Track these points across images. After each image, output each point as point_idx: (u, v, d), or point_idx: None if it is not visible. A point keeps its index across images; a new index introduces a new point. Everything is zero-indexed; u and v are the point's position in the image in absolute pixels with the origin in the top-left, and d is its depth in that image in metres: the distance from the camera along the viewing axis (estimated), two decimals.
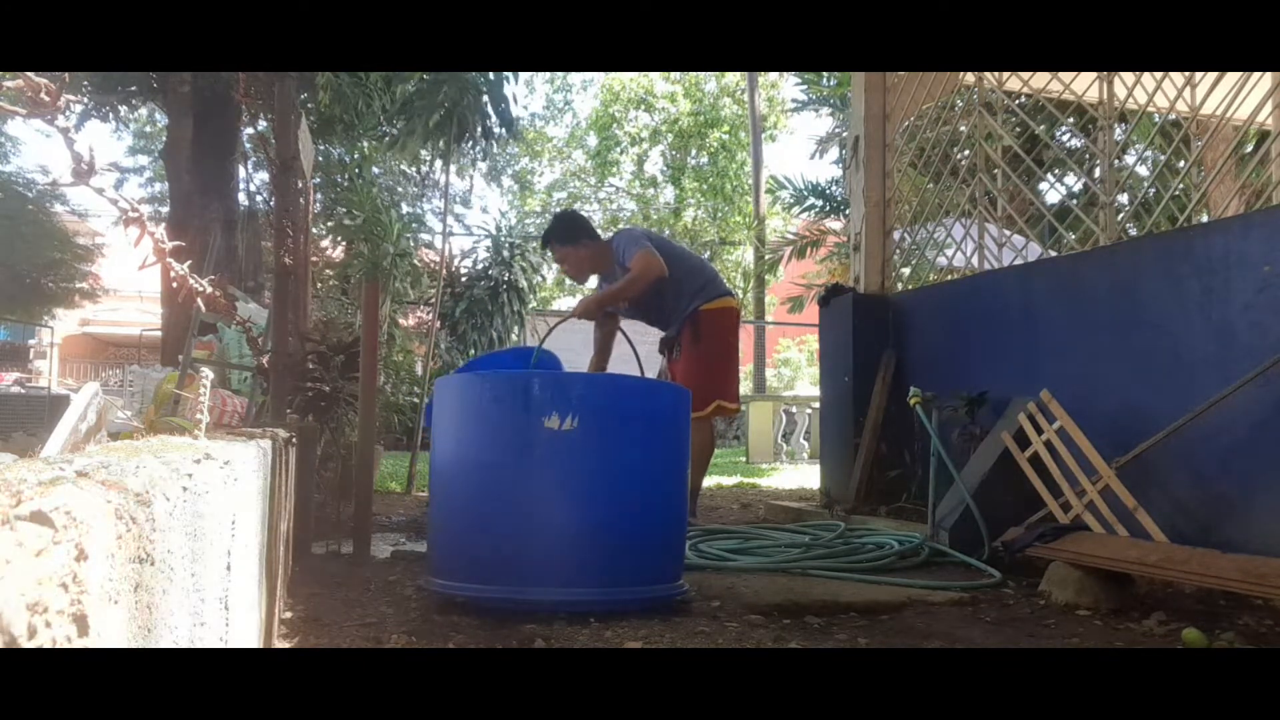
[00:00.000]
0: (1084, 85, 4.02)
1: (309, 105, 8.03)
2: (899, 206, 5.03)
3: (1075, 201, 5.48)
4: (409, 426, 6.80)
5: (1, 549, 0.41)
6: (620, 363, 4.24)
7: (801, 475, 8.37)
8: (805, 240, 12.21)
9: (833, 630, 2.19)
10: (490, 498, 2.29)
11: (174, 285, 1.61)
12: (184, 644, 0.75)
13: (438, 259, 7.39)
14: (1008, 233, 4.76)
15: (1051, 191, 7.73)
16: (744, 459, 10.97)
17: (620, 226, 24.84)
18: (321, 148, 9.20)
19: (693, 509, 4.02)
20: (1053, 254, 4.49)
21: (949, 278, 4.78)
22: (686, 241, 23.19)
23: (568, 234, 4.25)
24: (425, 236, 10.76)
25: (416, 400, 6.24)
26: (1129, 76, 3.79)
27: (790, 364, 21.81)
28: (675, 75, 23.50)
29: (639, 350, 3.36)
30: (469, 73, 5.50)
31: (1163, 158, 5.19)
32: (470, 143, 5.87)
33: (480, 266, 8.62)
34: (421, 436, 5.73)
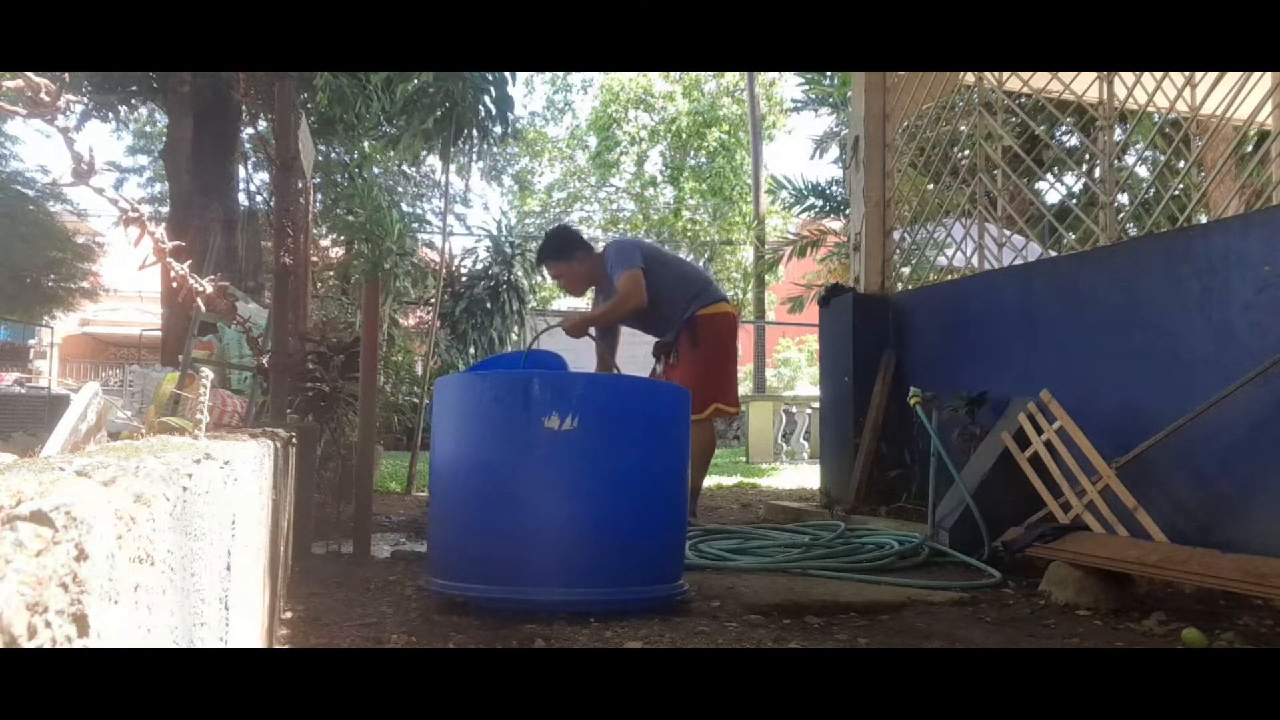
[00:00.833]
0: (1084, 85, 4.02)
1: (309, 105, 8.04)
2: (899, 206, 5.03)
3: (1075, 201, 5.48)
4: (409, 426, 6.80)
5: (1, 549, 0.41)
6: (623, 365, 4.25)
7: (801, 475, 8.37)
8: (805, 240, 12.21)
9: (833, 630, 2.19)
10: (490, 498, 2.29)
11: (174, 285, 1.62)
12: (184, 644, 0.75)
13: (438, 259, 7.38)
14: (1008, 233, 4.76)
15: (1051, 191, 7.73)
16: (744, 459, 10.97)
17: (621, 227, 24.95)
18: (321, 148, 9.21)
19: (693, 509, 4.03)
20: (1053, 254, 4.49)
21: (949, 278, 4.78)
22: (686, 241, 23.18)
23: (560, 250, 4.31)
24: (425, 236, 10.77)
25: (416, 400, 6.24)
26: (1129, 76, 3.79)
27: (790, 364, 21.81)
28: (675, 75, 23.49)
29: (632, 353, 3.37)
30: (469, 73, 5.50)
31: (1163, 158, 5.19)
32: (469, 143, 5.87)
33: (480, 266, 8.61)
34: (421, 436, 5.73)
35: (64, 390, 10.77)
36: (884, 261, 5.02)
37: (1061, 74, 4.07)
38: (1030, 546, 2.81)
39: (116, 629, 0.53)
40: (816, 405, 7.92)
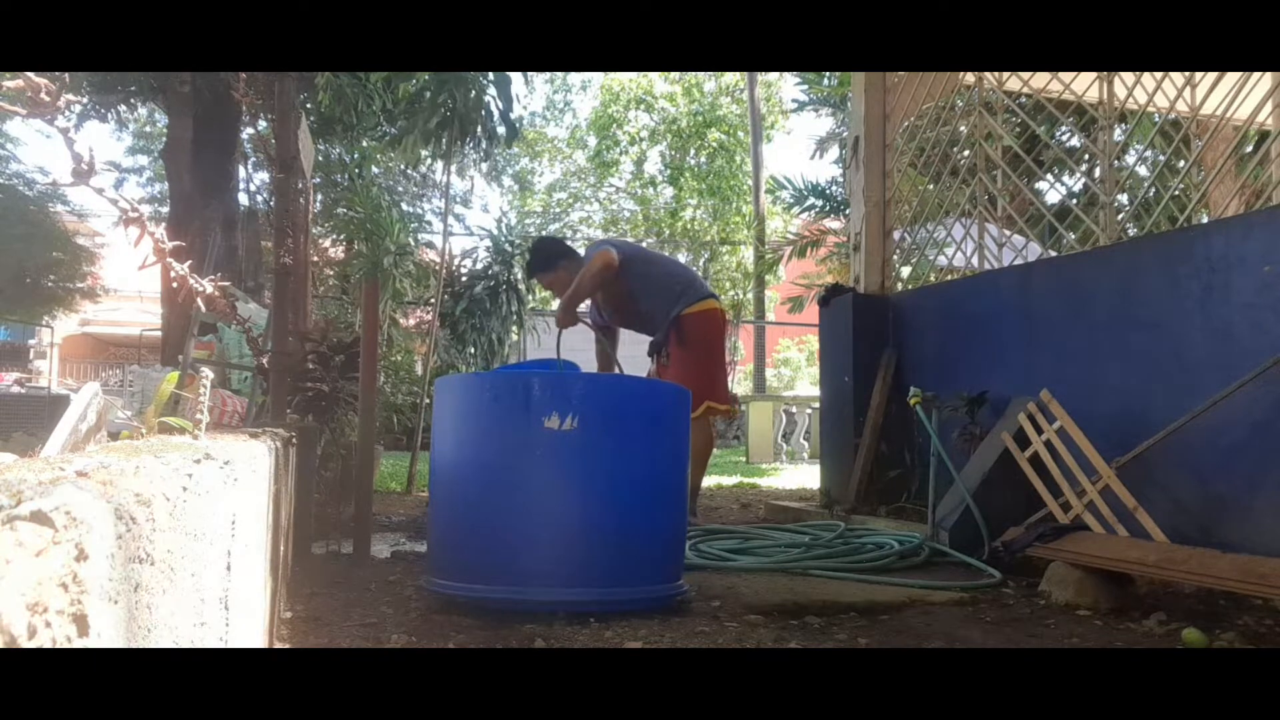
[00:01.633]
0: (1084, 85, 4.02)
1: (309, 105, 8.03)
2: (899, 206, 5.03)
3: (1075, 201, 5.48)
4: (409, 426, 6.80)
5: (1, 549, 0.41)
6: (624, 365, 4.26)
7: (801, 475, 8.37)
8: (805, 240, 12.20)
9: (833, 630, 2.19)
10: (491, 498, 2.29)
11: (174, 285, 1.61)
12: (184, 644, 0.75)
13: (438, 259, 7.38)
14: (1008, 233, 4.76)
15: (1051, 191, 7.72)
16: (744, 459, 10.97)
17: (621, 227, 24.95)
18: (321, 148, 9.20)
19: (693, 509, 4.03)
20: (1053, 254, 4.49)
21: (949, 278, 4.78)
22: (686, 241, 23.17)
23: (545, 262, 4.37)
24: (425, 236, 10.77)
25: (416, 400, 6.24)
26: (1129, 76, 3.79)
27: (790, 364, 21.83)
28: (675, 75, 23.48)
29: (633, 353, 3.38)
30: (471, 73, 5.50)
31: (1163, 158, 5.19)
32: (471, 143, 5.87)
33: (480, 266, 8.61)
34: (421, 436, 5.73)
35: (64, 390, 10.77)
36: (884, 261, 5.02)
37: (1061, 74, 4.07)
38: (1030, 546, 2.81)
39: (117, 629, 0.53)
40: (816, 405, 7.92)
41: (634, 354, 4.54)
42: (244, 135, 9.01)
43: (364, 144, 9.44)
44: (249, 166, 9.86)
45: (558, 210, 26.42)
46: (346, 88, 7.76)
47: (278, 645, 1.86)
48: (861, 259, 5.04)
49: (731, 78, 23.20)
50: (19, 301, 12.62)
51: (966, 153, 4.75)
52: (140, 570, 0.59)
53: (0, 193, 11.12)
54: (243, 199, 9.57)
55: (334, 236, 9.21)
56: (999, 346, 3.95)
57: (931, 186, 4.87)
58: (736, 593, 2.57)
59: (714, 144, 23.23)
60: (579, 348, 3.90)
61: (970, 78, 4.53)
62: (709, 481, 6.82)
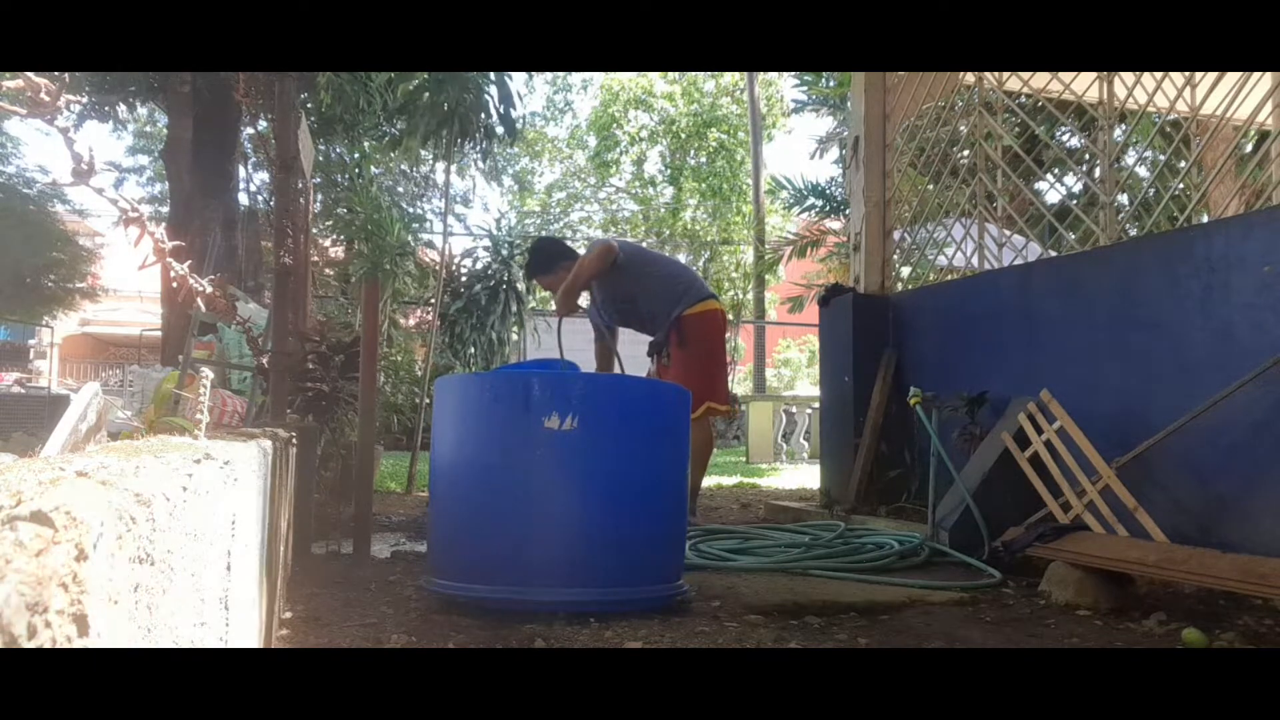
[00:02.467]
0: (1084, 85, 4.02)
1: (309, 105, 8.03)
2: (899, 206, 5.03)
3: (1075, 201, 5.48)
4: (409, 426, 6.80)
5: (1, 549, 0.41)
6: (624, 365, 4.26)
7: (801, 475, 8.37)
8: (805, 240, 12.20)
9: (833, 630, 2.19)
10: (490, 498, 2.29)
11: (174, 285, 1.61)
12: (184, 644, 0.75)
13: (438, 259, 7.39)
14: (1008, 233, 4.76)
15: (1051, 191, 7.72)
16: (744, 459, 10.97)
17: (621, 227, 24.94)
18: (321, 148, 9.21)
19: (692, 509, 4.03)
20: (1053, 254, 4.49)
21: (949, 278, 4.79)
22: (686, 241, 23.18)
23: (545, 264, 4.35)
24: (425, 236, 10.76)
25: (416, 400, 6.24)
26: (1129, 76, 3.79)
27: (790, 364, 21.83)
28: (675, 75, 23.48)
29: (633, 353, 3.38)
30: (472, 73, 5.50)
31: (1163, 158, 5.19)
32: (471, 143, 5.87)
33: (480, 266, 8.60)
34: (421, 436, 5.73)
35: (64, 390, 10.77)
36: (884, 261, 5.02)
37: (1061, 74, 4.07)
38: (1030, 546, 2.81)
39: (116, 629, 0.53)
40: (816, 405, 7.92)
41: (634, 354, 4.55)
42: (244, 135, 9.01)
43: (365, 144, 9.43)
44: (249, 166, 9.85)
45: (557, 210, 26.42)
46: (347, 86, 7.75)
47: (278, 645, 1.86)
48: (861, 259, 5.04)
49: (731, 77, 23.20)
50: (19, 301, 12.62)
51: (966, 153, 4.75)
52: (140, 570, 0.59)
53: (0, 192, 11.12)
54: (243, 199, 9.56)
55: (334, 236, 9.20)
56: (999, 346, 3.95)
57: (931, 186, 4.87)
58: (736, 593, 2.57)
59: (714, 144, 23.24)
60: (579, 348, 3.90)
61: (970, 78, 4.53)
62: (709, 481, 6.82)
